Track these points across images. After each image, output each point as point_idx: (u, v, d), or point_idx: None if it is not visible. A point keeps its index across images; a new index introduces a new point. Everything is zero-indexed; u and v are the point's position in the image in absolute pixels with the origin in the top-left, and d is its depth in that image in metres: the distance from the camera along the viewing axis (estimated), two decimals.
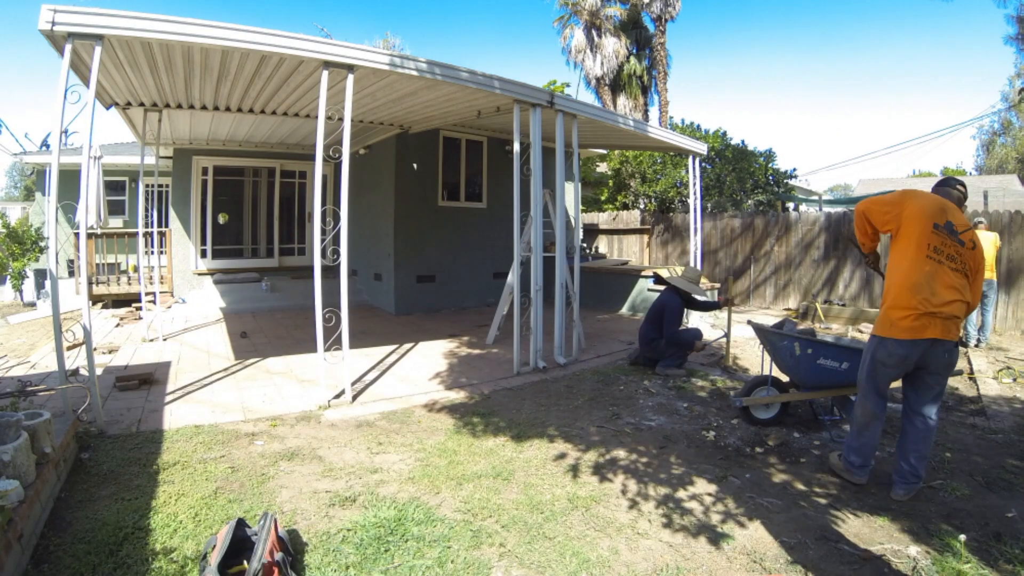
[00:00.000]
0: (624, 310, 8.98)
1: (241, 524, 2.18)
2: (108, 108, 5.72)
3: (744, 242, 10.38)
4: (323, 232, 4.22)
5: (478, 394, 4.59)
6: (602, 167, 16.20)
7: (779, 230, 9.88)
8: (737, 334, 7.50)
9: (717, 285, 9.60)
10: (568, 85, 20.08)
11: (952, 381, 5.69)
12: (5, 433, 2.33)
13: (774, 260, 9.96)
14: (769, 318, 8.97)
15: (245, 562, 1.98)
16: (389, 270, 8.53)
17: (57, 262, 3.41)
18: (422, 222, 8.65)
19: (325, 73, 4.09)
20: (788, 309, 9.66)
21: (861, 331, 7.74)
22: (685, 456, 3.41)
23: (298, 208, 10.36)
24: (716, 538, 2.49)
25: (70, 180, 9.98)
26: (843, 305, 8.87)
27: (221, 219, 9.63)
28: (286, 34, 3.91)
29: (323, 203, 4.34)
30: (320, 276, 4.09)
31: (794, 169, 12.88)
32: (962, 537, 2.33)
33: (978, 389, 5.09)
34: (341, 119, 4.17)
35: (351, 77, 4.21)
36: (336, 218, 4.25)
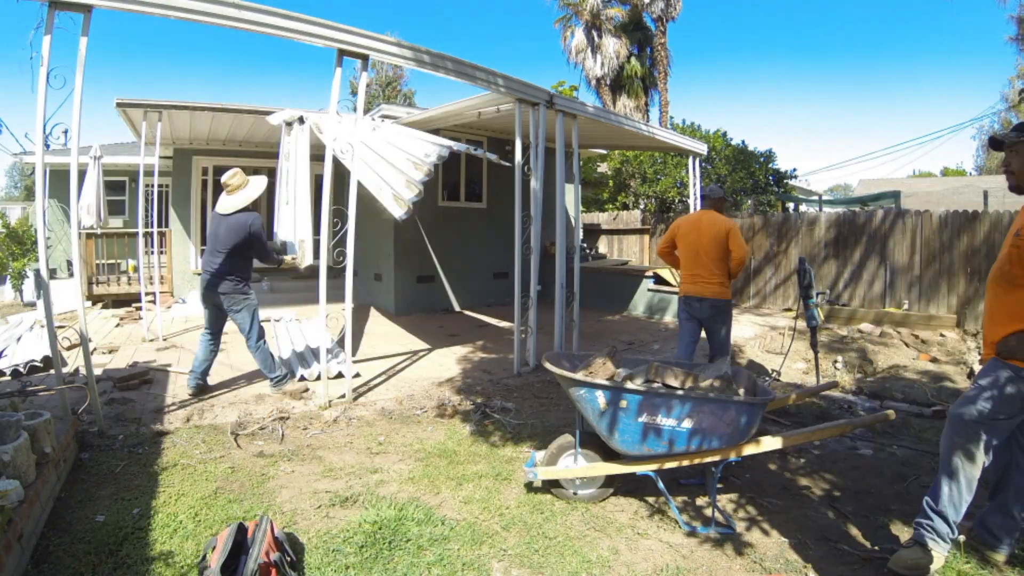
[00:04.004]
0: (640, 311, 8.86)
1: (241, 529, 2.18)
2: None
3: (757, 242, 10.25)
4: (333, 234, 4.19)
5: (478, 394, 4.59)
6: (602, 167, 16.21)
7: (792, 230, 9.79)
8: (738, 333, 7.49)
9: None
10: (576, 88, 20.08)
11: (951, 380, 5.69)
12: (5, 433, 2.33)
13: (791, 260, 9.82)
14: (768, 319, 8.96)
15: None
16: (389, 270, 8.53)
17: (48, 263, 3.35)
18: (422, 222, 8.65)
19: (339, 68, 4.01)
20: (788, 309, 9.66)
21: (861, 331, 7.74)
22: None
23: None
24: (716, 538, 2.49)
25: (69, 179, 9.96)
26: (842, 305, 8.87)
27: None
28: (301, 16, 3.68)
29: (318, 203, 4.31)
30: (325, 277, 4.09)
31: (794, 169, 12.90)
32: (962, 537, 2.33)
33: None
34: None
35: (364, 75, 4.19)
36: (343, 218, 4.20)
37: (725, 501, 2.83)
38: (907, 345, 7.20)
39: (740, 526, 2.59)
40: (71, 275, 10.10)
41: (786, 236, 9.86)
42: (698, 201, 8.34)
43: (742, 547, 2.41)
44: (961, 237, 8.03)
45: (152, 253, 7.96)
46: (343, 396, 4.31)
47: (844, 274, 9.15)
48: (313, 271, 4.57)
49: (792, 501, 2.83)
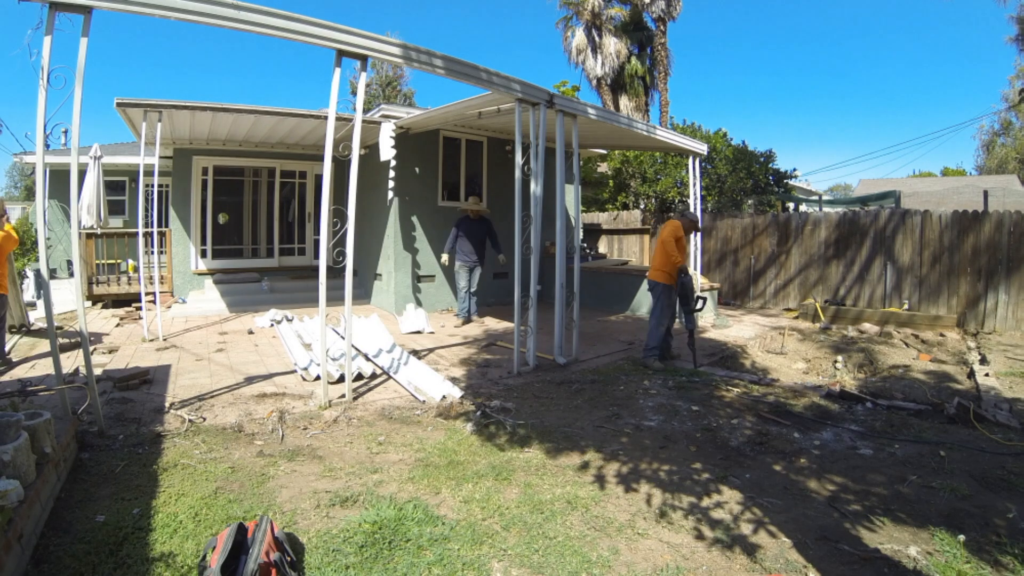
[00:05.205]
0: (643, 312, 8.74)
1: (241, 529, 2.18)
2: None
3: (759, 243, 10.20)
4: (333, 233, 4.18)
5: (478, 394, 4.59)
6: (603, 167, 16.21)
7: (795, 231, 9.74)
8: (738, 334, 7.50)
9: (718, 285, 9.59)
10: (579, 88, 20.09)
11: (952, 380, 5.68)
12: (5, 433, 2.33)
13: (794, 260, 9.78)
14: (772, 319, 8.96)
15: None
16: (389, 270, 8.53)
17: (48, 263, 3.34)
18: (422, 222, 8.65)
19: (337, 68, 4.00)
20: (788, 309, 9.65)
21: (863, 331, 7.74)
22: (685, 456, 3.41)
23: (298, 208, 10.36)
24: (716, 538, 2.49)
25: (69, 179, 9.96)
26: (843, 305, 8.86)
27: (221, 219, 9.63)
28: (300, 17, 3.66)
29: (317, 203, 4.31)
30: (325, 276, 4.09)
31: (794, 169, 12.91)
32: (962, 537, 2.33)
33: (977, 389, 5.09)
34: (349, 120, 4.13)
35: (363, 75, 4.19)
36: (343, 218, 4.20)
37: (728, 500, 2.83)
38: (907, 345, 7.20)
39: (741, 527, 2.59)
40: (71, 275, 10.10)
41: (789, 237, 9.84)
42: (699, 201, 8.34)
43: (742, 547, 2.41)
44: (965, 237, 8.02)
45: (152, 253, 7.96)
46: (343, 396, 4.31)
47: (848, 275, 9.15)
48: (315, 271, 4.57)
49: (792, 501, 2.83)
